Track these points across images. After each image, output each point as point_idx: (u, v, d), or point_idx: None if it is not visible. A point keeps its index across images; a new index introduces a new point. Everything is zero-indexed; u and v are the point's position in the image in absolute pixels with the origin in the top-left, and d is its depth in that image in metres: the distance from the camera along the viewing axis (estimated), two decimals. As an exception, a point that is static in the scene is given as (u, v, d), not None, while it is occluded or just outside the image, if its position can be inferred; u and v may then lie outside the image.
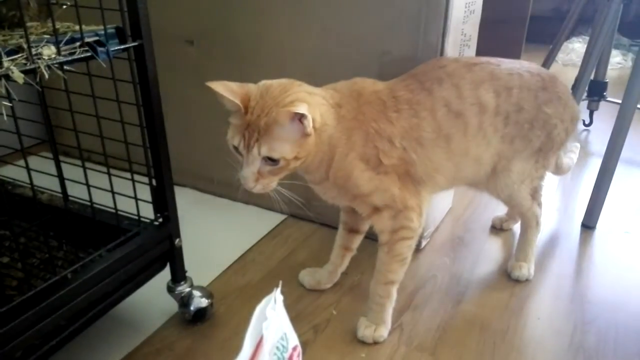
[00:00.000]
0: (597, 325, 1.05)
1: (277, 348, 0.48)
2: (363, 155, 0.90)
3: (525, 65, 1.03)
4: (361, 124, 0.90)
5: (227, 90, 0.83)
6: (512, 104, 0.98)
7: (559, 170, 1.28)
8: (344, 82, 0.95)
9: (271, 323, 0.47)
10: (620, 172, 1.40)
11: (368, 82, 0.96)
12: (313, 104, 0.85)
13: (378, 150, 0.90)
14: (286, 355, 0.50)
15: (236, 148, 0.84)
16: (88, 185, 0.88)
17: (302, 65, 1.24)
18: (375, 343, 0.99)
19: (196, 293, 1.01)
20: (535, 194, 1.12)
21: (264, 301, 0.49)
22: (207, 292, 1.03)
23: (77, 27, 0.75)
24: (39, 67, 0.67)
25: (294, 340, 0.52)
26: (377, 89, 0.94)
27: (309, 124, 0.81)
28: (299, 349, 0.53)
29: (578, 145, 1.39)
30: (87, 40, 0.74)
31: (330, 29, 1.19)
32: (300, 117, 0.80)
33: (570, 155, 1.34)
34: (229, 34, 1.31)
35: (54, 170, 1.01)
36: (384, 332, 1.00)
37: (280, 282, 0.53)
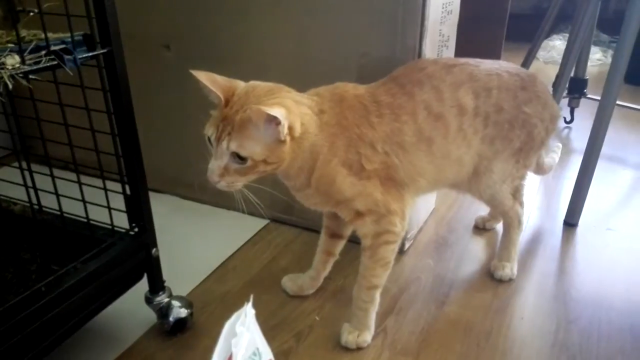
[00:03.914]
0: (581, 323, 1.05)
1: (249, 364, 0.47)
2: (346, 161, 0.89)
3: (504, 66, 1.03)
4: (344, 129, 0.89)
5: (210, 80, 0.82)
6: (492, 104, 0.97)
7: (540, 169, 1.28)
8: (326, 87, 0.94)
9: (241, 339, 0.45)
10: (602, 169, 1.41)
11: (349, 87, 0.94)
12: (295, 112, 0.83)
13: (361, 156, 0.89)
14: (259, 371, 0.48)
15: (209, 139, 0.83)
16: (57, 195, 0.86)
17: (282, 67, 1.23)
18: (359, 349, 0.98)
19: (175, 303, 0.99)
20: (516, 193, 1.12)
21: (233, 316, 0.47)
22: (186, 302, 1.01)
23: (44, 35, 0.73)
24: (1, 77, 0.65)
25: (267, 354, 0.51)
26: (358, 93, 0.93)
27: (283, 130, 0.80)
28: (273, 363, 0.52)
29: (560, 145, 1.40)
30: (53, 48, 0.72)
31: (309, 31, 1.17)
32: (276, 122, 0.78)
33: (552, 155, 1.34)
34: (207, 37, 1.29)
35: (28, 181, 0.99)
36: (367, 337, 0.99)
37: (252, 296, 0.51)
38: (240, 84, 0.86)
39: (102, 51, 0.78)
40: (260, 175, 0.85)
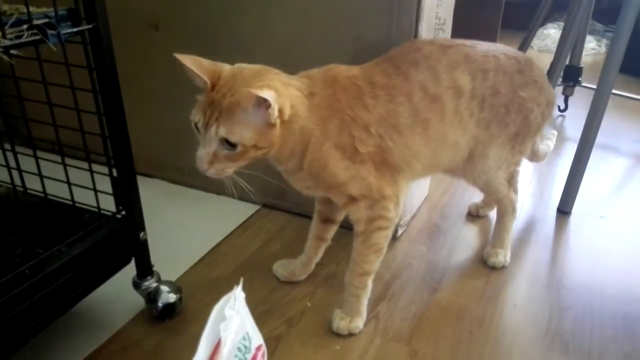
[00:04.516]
0: (574, 311, 1.05)
1: (239, 349, 0.45)
2: (339, 144, 0.87)
3: (500, 48, 1.01)
4: (336, 111, 0.86)
5: (195, 64, 0.79)
6: (488, 87, 0.96)
7: (535, 156, 1.27)
8: (317, 69, 0.92)
9: (230, 323, 0.44)
10: (595, 157, 1.40)
11: (342, 68, 0.92)
12: (285, 94, 0.80)
13: (354, 139, 0.87)
14: (249, 357, 0.46)
15: (197, 126, 0.81)
16: (41, 177, 0.83)
17: (274, 50, 1.20)
18: (351, 335, 0.97)
19: (164, 288, 0.97)
20: (511, 179, 1.11)
21: (222, 300, 0.46)
22: (175, 287, 0.99)
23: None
24: (-19, 51, 0.62)
25: (257, 339, 0.49)
26: (352, 75, 0.91)
27: (273, 113, 0.77)
28: (264, 348, 0.50)
29: (555, 132, 1.39)
30: (35, 22, 0.69)
31: (303, 12, 1.14)
32: (266, 105, 0.76)
33: (547, 142, 1.33)
34: (197, 18, 1.26)
35: (12, 163, 0.96)
36: (359, 323, 0.98)
37: (242, 279, 0.49)
38: (226, 67, 0.83)
39: (87, 27, 0.74)
40: (250, 160, 0.83)
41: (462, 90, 0.94)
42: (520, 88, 0.98)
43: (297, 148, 0.86)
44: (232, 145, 0.78)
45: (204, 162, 0.79)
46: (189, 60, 0.78)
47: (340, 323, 0.97)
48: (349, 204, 0.92)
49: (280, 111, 0.79)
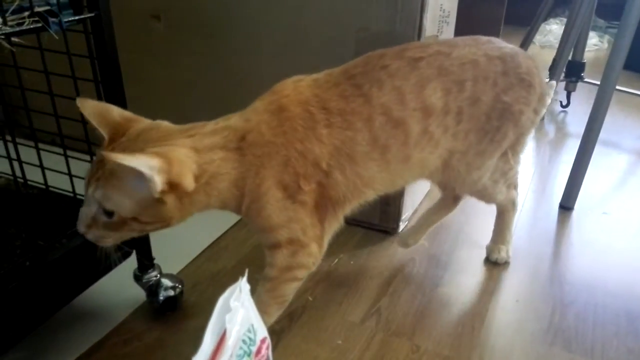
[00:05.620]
0: (576, 306, 1.04)
1: (244, 341, 0.45)
2: (281, 182, 0.78)
3: (483, 48, 0.89)
4: (280, 147, 0.77)
5: (96, 114, 0.71)
6: (465, 98, 0.87)
7: None
8: (263, 95, 0.82)
9: (235, 315, 0.43)
10: (597, 153, 1.39)
11: (289, 88, 0.81)
12: (187, 164, 0.70)
13: (299, 176, 0.78)
14: (254, 349, 0.46)
15: None
16: (42, 168, 0.83)
17: (275, 40, 1.19)
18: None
19: (165, 281, 0.96)
20: (510, 182, 1.07)
21: (227, 291, 0.45)
22: (177, 280, 0.98)
23: (28, -4, 0.69)
24: (-19, 38, 0.62)
25: (262, 332, 0.48)
26: (303, 99, 0.80)
27: (154, 187, 0.66)
28: (268, 340, 0.49)
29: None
30: (37, 9, 0.68)
31: (306, 3, 1.13)
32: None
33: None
34: (198, 8, 1.24)
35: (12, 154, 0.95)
36: None
37: (247, 271, 0.49)
38: (141, 123, 0.74)
39: (89, 15, 0.74)
40: (141, 233, 0.74)
41: (432, 109, 0.85)
42: (504, 92, 0.89)
43: (231, 199, 0.78)
44: (108, 213, 0.69)
45: (82, 224, 0.71)
46: (89, 109, 0.70)
47: None
48: (273, 248, 0.84)
49: (174, 185, 0.68)
